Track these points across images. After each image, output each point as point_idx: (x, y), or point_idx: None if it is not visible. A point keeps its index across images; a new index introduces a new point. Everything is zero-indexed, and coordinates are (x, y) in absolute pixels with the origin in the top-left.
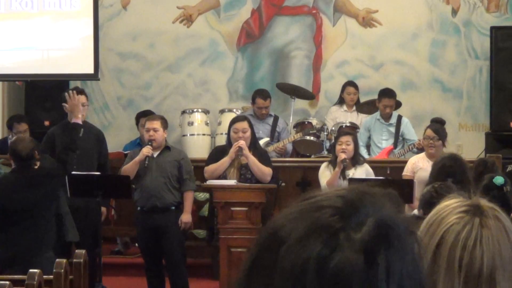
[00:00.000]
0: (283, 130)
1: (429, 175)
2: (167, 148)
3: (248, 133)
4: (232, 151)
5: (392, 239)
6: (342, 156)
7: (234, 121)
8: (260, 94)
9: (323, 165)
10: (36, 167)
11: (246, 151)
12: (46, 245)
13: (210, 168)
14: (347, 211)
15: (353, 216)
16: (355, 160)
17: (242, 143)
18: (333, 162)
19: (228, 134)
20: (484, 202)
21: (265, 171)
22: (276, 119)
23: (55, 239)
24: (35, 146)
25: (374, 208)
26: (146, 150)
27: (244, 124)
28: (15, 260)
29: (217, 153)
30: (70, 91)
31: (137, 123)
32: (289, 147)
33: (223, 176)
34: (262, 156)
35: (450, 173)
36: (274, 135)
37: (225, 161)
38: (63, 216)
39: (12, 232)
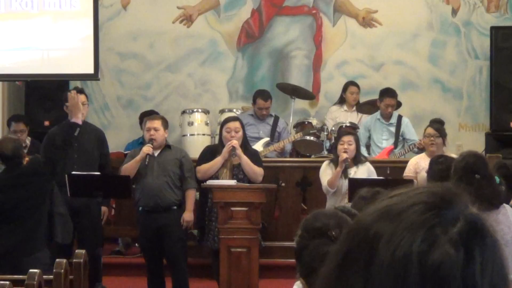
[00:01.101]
0: (283, 130)
1: (452, 173)
2: (167, 147)
3: (240, 133)
4: (225, 150)
5: (485, 236)
6: (344, 156)
7: (226, 121)
8: (261, 94)
9: (324, 164)
10: (23, 166)
11: (239, 151)
12: (36, 245)
13: (203, 168)
14: (441, 206)
15: (447, 211)
16: (357, 159)
17: (235, 142)
18: (335, 161)
19: (220, 134)
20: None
21: (257, 171)
22: (276, 119)
23: (45, 239)
24: (19, 145)
25: (464, 205)
26: (147, 149)
27: (236, 124)
28: (4, 260)
29: (209, 153)
30: (72, 91)
31: (141, 122)
32: (288, 146)
33: (215, 177)
34: (253, 156)
35: (475, 170)
36: (275, 135)
37: (218, 160)
38: (53, 216)
39: (1, 232)
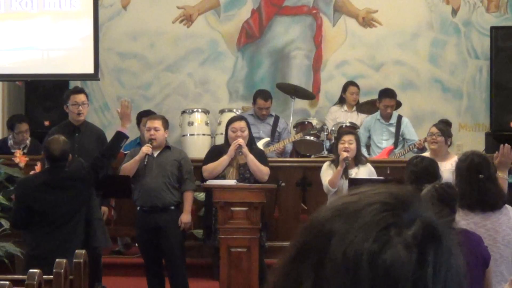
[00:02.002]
0: (284, 130)
1: (456, 173)
2: (167, 147)
3: (246, 132)
4: (231, 149)
5: (441, 239)
6: (344, 154)
7: (232, 121)
8: (261, 94)
9: (325, 164)
10: (67, 169)
11: (246, 149)
12: (72, 249)
13: (209, 167)
14: (397, 207)
15: (404, 213)
16: (358, 159)
17: (241, 141)
18: (336, 161)
19: (226, 133)
20: None
21: (263, 170)
22: (277, 119)
23: (81, 243)
24: (68, 147)
25: (422, 208)
26: (146, 149)
27: (242, 123)
28: (40, 261)
29: (215, 153)
30: (126, 99)
31: (138, 122)
32: (289, 146)
33: (221, 176)
34: (259, 155)
35: (479, 170)
36: (275, 135)
37: (224, 159)
38: (91, 221)
39: (38, 233)
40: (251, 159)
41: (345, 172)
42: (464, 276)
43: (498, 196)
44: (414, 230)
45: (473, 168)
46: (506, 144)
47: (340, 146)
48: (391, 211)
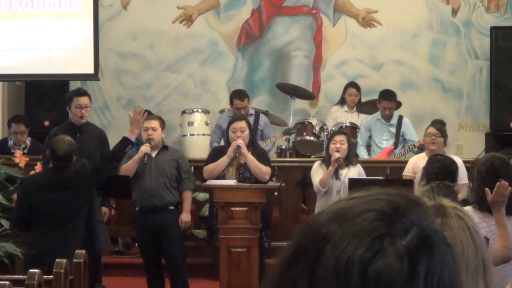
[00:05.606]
0: (266, 126)
1: (476, 176)
2: (164, 147)
3: (247, 132)
4: (230, 149)
5: (433, 250)
6: (336, 155)
7: (232, 121)
8: (237, 94)
9: (316, 164)
10: (70, 170)
11: (245, 150)
12: (72, 249)
13: (209, 168)
14: (393, 216)
15: (398, 223)
16: (349, 160)
17: (240, 141)
18: (327, 161)
19: (227, 134)
20: (447, 202)
21: (264, 170)
22: (257, 116)
23: (81, 244)
24: (72, 148)
25: (419, 216)
26: (145, 148)
27: (242, 124)
28: (38, 260)
29: (216, 153)
30: (139, 107)
31: None
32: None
33: (221, 176)
34: (261, 155)
35: (500, 173)
36: (257, 133)
37: (223, 160)
38: (92, 223)
39: (38, 232)
40: (251, 159)
41: (336, 173)
42: (459, 285)
43: None
44: (408, 239)
45: (493, 171)
46: (503, 182)
47: (332, 146)
48: (386, 219)
